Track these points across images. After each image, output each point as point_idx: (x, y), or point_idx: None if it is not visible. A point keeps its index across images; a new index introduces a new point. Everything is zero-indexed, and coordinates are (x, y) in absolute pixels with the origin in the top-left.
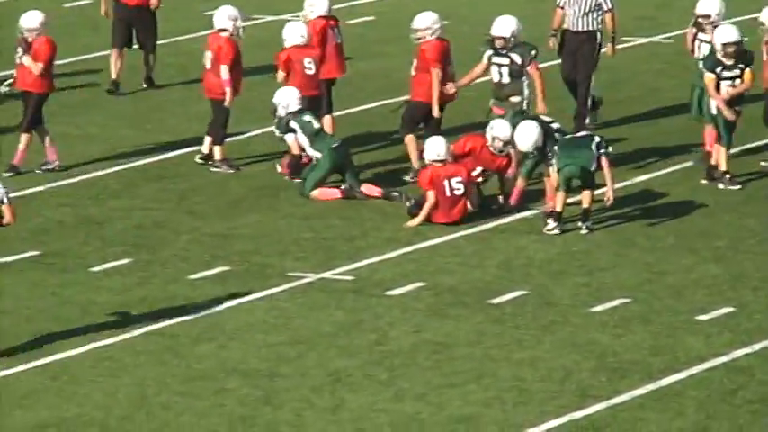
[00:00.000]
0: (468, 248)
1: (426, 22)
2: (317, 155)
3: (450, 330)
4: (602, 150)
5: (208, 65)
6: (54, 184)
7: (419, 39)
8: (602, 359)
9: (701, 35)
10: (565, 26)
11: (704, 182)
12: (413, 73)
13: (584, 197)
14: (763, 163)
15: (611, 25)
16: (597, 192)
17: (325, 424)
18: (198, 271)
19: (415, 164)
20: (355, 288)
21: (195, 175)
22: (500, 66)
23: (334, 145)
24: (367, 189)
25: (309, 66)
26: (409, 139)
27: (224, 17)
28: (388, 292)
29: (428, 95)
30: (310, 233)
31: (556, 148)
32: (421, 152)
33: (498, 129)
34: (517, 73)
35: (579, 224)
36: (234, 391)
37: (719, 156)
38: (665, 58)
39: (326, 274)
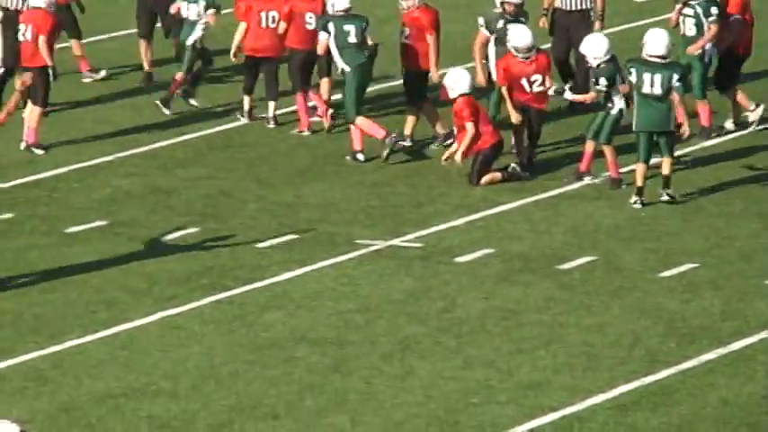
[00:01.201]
0: (537, 214)
1: None
2: (346, 67)
3: (518, 297)
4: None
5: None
6: (121, 154)
7: (409, 7)
8: (671, 324)
9: (685, 9)
10: (556, 5)
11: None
12: (405, 41)
13: (665, 164)
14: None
15: (599, 3)
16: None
17: (395, 392)
18: (265, 239)
19: (408, 131)
20: (424, 255)
21: (262, 144)
22: None
23: (362, 61)
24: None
25: (310, 21)
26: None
27: None
28: (457, 259)
29: (425, 63)
30: (378, 200)
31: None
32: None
33: (516, 36)
34: None
35: (660, 191)
36: (303, 359)
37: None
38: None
39: (395, 242)
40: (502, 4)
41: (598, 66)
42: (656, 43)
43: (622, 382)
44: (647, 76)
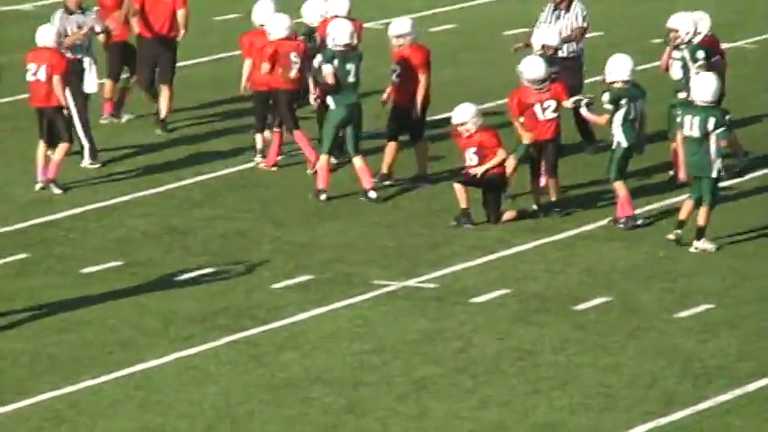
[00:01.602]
0: (552, 255)
1: (407, 28)
2: (332, 104)
3: (534, 337)
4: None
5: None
6: (138, 194)
7: (400, 45)
8: (688, 365)
9: (674, 53)
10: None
11: None
12: (394, 80)
13: (702, 214)
14: None
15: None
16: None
17: None
18: (281, 280)
19: (385, 169)
20: (439, 296)
21: (277, 185)
22: None
23: (353, 101)
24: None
25: (295, 60)
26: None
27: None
28: (472, 300)
29: (411, 101)
30: (393, 241)
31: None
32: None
33: (528, 68)
34: None
35: (695, 242)
36: (318, 399)
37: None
38: (752, 63)
39: (410, 282)
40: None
41: (610, 83)
42: (703, 89)
43: (639, 422)
44: (687, 119)
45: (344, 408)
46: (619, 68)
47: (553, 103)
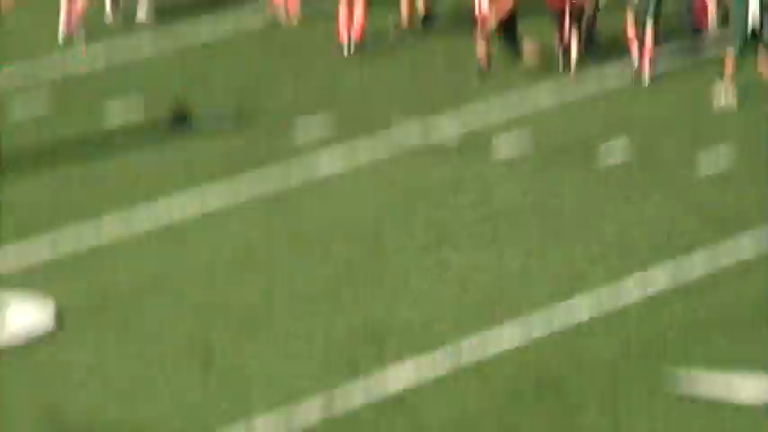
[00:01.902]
0: (574, 103)
1: None
2: None
3: (555, 188)
4: None
5: None
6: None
7: None
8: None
9: None
10: None
11: None
12: None
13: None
14: None
15: None
16: None
17: (432, 282)
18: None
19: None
20: (460, 147)
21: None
22: None
23: None
24: None
25: None
26: None
27: None
28: (493, 152)
29: None
30: (417, 85)
31: None
32: None
33: None
34: None
35: None
36: (340, 246)
37: None
38: None
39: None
40: None
41: None
42: None
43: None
44: None
45: (366, 254)
46: None
47: None
